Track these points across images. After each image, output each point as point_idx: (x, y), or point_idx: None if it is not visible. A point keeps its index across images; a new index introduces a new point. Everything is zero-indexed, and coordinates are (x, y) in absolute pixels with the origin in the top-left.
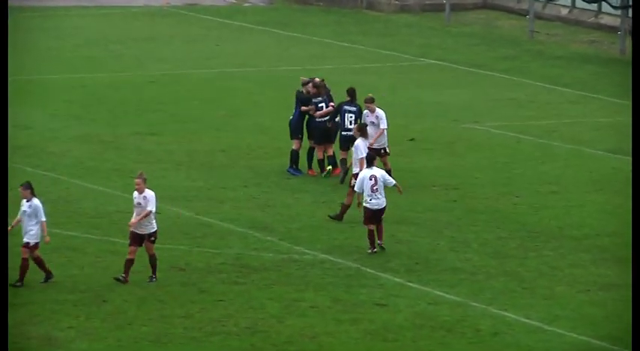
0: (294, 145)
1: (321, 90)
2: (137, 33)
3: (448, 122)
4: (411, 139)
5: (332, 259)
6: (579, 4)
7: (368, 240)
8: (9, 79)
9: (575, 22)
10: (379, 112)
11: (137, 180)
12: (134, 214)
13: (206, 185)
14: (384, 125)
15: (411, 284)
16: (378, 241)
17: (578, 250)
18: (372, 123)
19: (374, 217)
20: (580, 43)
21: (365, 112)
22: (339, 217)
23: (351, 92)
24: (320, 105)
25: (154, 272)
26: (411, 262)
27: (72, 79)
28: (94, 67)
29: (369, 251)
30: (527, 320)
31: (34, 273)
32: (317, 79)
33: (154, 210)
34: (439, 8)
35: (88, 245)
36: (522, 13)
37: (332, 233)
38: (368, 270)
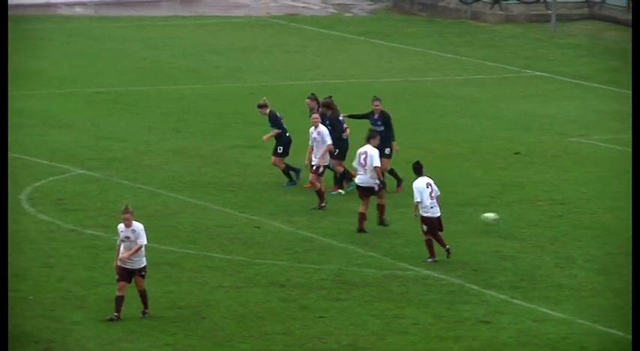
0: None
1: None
2: (236, 43)
3: (554, 135)
4: (517, 153)
5: (435, 275)
6: None
7: (428, 249)
8: (103, 90)
9: None
10: (322, 128)
11: (126, 215)
12: (121, 248)
13: (307, 199)
14: (329, 141)
15: (515, 301)
16: (447, 246)
17: None
18: (315, 139)
19: (435, 226)
20: None
21: (312, 128)
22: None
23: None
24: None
25: (145, 307)
26: (515, 279)
27: (168, 91)
28: (192, 79)
29: (430, 260)
30: None
31: (131, 287)
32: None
33: (145, 243)
34: (545, 19)
35: (186, 261)
36: (629, 24)
37: (436, 248)
38: (471, 286)
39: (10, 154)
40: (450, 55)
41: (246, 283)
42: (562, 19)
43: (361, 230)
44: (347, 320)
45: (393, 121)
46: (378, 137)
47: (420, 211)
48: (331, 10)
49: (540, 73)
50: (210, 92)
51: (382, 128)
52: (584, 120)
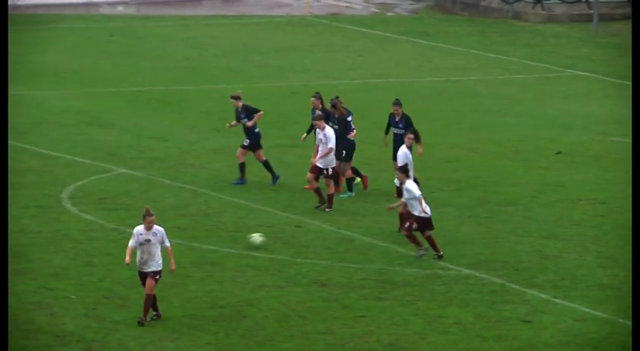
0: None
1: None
2: (278, 43)
3: (596, 135)
4: (558, 153)
5: (477, 274)
6: None
7: (413, 243)
8: (145, 89)
9: None
10: (328, 130)
11: (152, 217)
12: (138, 253)
13: (348, 199)
14: (332, 144)
15: (556, 300)
16: (441, 253)
17: None
18: (320, 140)
19: (429, 225)
20: None
21: (317, 129)
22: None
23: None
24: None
25: (155, 310)
26: (557, 278)
27: (210, 90)
28: (234, 78)
29: (422, 251)
30: None
31: (173, 287)
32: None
33: (169, 245)
34: (587, 18)
35: (228, 260)
36: None
37: (477, 248)
38: (513, 286)
39: (51, 153)
40: (492, 55)
41: (287, 283)
42: (604, 18)
43: None
44: (388, 319)
45: (436, 121)
46: (410, 135)
47: (413, 209)
48: (373, 9)
49: (582, 73)
50: (252, 92)
51: (403, 131)
52: (625, 120)
